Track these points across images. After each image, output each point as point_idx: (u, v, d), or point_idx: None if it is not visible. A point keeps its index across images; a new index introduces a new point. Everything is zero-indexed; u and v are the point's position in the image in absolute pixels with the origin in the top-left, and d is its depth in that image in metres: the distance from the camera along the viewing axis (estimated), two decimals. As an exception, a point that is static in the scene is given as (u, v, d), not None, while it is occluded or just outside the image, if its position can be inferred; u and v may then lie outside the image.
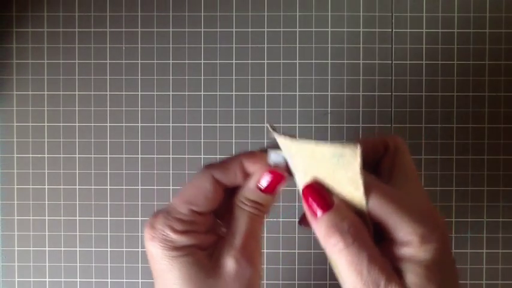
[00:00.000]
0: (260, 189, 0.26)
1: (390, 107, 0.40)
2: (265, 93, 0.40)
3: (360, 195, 0.22)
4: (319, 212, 0.23)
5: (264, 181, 0.26)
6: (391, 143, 0.27)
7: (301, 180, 0.25)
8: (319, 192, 0.24)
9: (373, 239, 0.23)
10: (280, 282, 0.41)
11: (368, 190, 0.22)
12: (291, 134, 0.25)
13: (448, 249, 0.23)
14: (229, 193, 0.26)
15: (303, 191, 0.24)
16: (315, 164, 0.23)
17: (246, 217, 0.25)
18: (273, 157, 0.26)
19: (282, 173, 0.26)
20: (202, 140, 0.41)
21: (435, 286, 0.22)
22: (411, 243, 0.22)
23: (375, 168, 0.27)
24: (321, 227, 0.23)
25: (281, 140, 0.25)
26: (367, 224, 0.23)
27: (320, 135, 0.40)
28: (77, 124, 0.41)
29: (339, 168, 0.22)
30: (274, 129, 0.25)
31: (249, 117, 0.40)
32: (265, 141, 0.41)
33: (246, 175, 0.26)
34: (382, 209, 0.23)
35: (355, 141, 0.22)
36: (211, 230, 0.26)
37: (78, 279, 0.41)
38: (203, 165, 0.26)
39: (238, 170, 0.26)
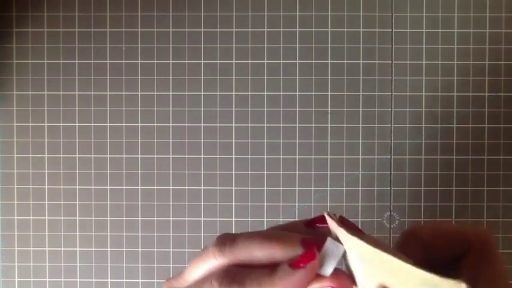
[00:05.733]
0: None
1: (390, 107, 0.40)
2: (265, 93, 0.40)
3: None
4: None
5: None
6: (475, 242, 0.22)
7: (361, 282, 0.21)
8: None
9: None
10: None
11: None
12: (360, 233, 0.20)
13: None
14: None
15: None
16: (393, 280, 0.19)
17: None
18: (330, 247, 0.21)
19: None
20: (202, 140, 0.41)
21: None
22: None
23: (444, 266, 0.23)
24: None
25: (351, 240, 0.19)
26: None
27: (320, 135, 0.40)
28: (77, 124, 0.41)
29: None
30: (338, 223, 0.20)
31: (249, 117, 0.40)
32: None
33: None
34: None
35: (410, 259, 0.17)
36: None
37: (78, 279, 0.41)
38: (217, 277, 0.21)
39: None
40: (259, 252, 0.20)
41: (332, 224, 0.20)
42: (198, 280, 0.21)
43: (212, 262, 0.21)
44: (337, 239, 0.21)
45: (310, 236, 0.21)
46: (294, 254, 0.20)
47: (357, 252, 0.20)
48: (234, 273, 0.20)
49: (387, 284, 0.19)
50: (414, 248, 0.23)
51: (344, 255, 0.21)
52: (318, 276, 0.21)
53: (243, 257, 0.21)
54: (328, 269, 0.21)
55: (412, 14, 0.40)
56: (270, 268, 0.20)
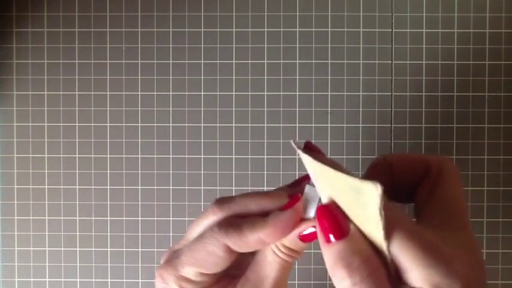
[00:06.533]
0: (300, 238, 0.23)
1: (390, 107, 0.40)
2: (265, 93, 0.40)
3: (380, 236, 0.19)
4: (332, 237, 0.20)
5: (308, 230, 0.23)
6: (434, 166, 0.23)
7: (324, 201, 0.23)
8: (335, 216, 0.21)
9: (392, 283, 0.20)
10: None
11: (390, 230, 0.19)
12: (314, 153, 0.22)
13: None
14: None
15: (317, 209, 0.22)
16: (335, 191, 0.21)
17: (278, 264, 0.23)
18: (309, 192, 0.24)
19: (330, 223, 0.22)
20: (202, 140, 0.41)
21: None
22: None
23: (409, 193, 0.24)
24: (330, 255, 0.20)
25: (306, 159, 0.22)
26: (386, 264, 0.20)
27: (320, 135, 0.40)
28: (77, 124, 0.41)
29: (358, 204, 0.20)
30: (299, 147, 0.23)
31: (249, 117, 0.40)
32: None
33: (264, 243, 0.23)
34: (403, 253, 0.19)
35: (375, 179, 0.18)
36: (224, 276, 0.25)
37: (78, 279, 0.41)
38: (217, 224, 0.23)
39: (256, 244, 0.23)
40: (253, 205, 0.23)
41: (299, 152, 0.22)
42: (199, 234, 0.24)
43: (212, 218, 0.24)
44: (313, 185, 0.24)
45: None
46: (282, 203, 0.23)
47: (313, 170, 0.22)
48: (232, 219, 0.23)
49: (332, 195, 0.22)
50: (382, 174, 0.25)
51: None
52: (303, 220, 0.23)
53: (239, 210, 0.24)
54: (311, 212, 0.23)
55: (412, 14, 0.40)
56: (263, 216, 0.23)
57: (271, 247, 0.24)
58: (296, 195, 0.24)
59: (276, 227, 0.23)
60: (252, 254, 0.25)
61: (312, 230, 0.23)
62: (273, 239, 0.23)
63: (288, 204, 0.23)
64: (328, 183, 0.21)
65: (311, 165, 0.22)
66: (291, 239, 0.23)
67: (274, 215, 0.23)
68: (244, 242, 0.23)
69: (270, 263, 0.24)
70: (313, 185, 0.24)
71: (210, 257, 0.23)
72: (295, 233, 0.23)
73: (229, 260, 0.23)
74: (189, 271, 0.24)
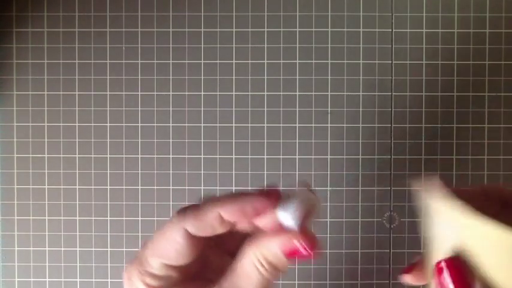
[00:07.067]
0: (284, 252, 0.21)
1: (390, 107, 0.40)
2: (265, 93, 0.40)
3: None
4: None
5: (295, 247, 0.21)
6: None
7: (440, 250, 0.20)
8: (462, 274, 0.18)
9: None
10: (280, 282, 0.41)
11: None
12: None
13: None
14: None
15: (443, 262, 0.19)
16: (488, 252, 0.18)
17: (256, 279, 0.21)
18: (283, 219, 0.21)
19: (315, 241, 0.20)
20: (202, 140, 0.41)
21: None
22: None
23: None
24: None
25: (447, 211, 0.19)
26: None
27: (320, 135, 0.40)
28: (77, 124, 0.41)
29: None
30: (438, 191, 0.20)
31: (249, 117, 0.40)
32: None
33: (228, 224, 0.22)
34: None
35: None
36: (198, 276, 0.23)
37: (78, 279, 0.41)
38: (176, 212, 0.22)
39: (215, 221, 0.21)
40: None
41: (434, 197, 0.19)
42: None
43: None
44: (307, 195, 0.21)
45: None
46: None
47: (456, 225, 0.19)
48: (191, 205, 0.22)
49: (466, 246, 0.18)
50: (492, 204, 0.23)
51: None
52: (282, 230, 0.21)
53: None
54: (292, 220, 0.21)
55: (412, 14, 0.40)
56: None
57: (251, 257, 0.21)
58: (275, 190, 0.22)
59: (237, 203, 0.21)
60: (231, 259, 0.23)
61: (296, 245, 0.21)
62: (233, 215, 0.21)
63: (262, 193, 0.22)
64: (475, 242, 0.18)
65: (448, 218, 0.19)
66: (273, 252, 0.21)
67: (239, 194, 0.22)
68: (203, 221, 0.21)
69: (248, 276, 0.21)
70: (303, 193, 0.22)
71: (169, 244, 0.21)
72: (276, 242, 0.21)
73: (192, 247, 0.22)
74: (153, 263, 0.22)
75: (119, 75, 0.41)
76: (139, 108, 0.41)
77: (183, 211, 0.22)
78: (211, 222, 0.21)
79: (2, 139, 0.41)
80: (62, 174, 0.41)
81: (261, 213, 0.21)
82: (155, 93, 0.41)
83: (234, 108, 0.41)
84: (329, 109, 0.40)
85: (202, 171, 0.41)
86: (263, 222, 0.22)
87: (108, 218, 0.41)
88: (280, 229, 0.21)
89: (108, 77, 0.41)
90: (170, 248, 0.21)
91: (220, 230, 0.22)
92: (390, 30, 0.40)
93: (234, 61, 0.40)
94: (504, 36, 0.40)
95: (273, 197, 0.22)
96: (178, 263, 0.22)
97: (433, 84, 0.40)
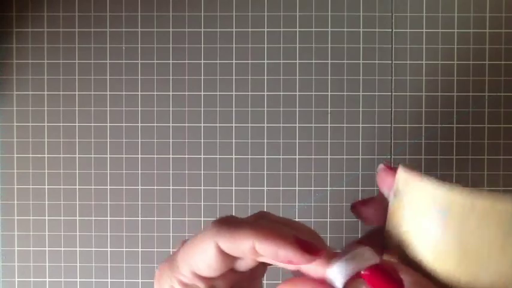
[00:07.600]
0: None
1: (390, 107, 0.40)
2: (265, 93, 0.40)
3: None
4: None
5: None
6: None
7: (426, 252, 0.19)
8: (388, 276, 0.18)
9: None
10: (281, 282, 0.40)
11: None
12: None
13: None
14: None
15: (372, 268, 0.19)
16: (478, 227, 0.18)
17: None
18: (333, 279, 0.19)
19: None
20: (202, 140, 0.41)
21: None
22: None
23: None
24: None
25: (432, 188, 0.19)
26: None
27: (320, 135, 0.40)
28: (77, 124, 0.41)
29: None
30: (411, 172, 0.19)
31: (249, 117, 0.40)
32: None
33: (257, 255, 0.20)
34: None
35: None
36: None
37: (78, 279, 0.41)
38: (211, 223, 0.21)
39: (248, 251, 0.20)
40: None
41: (413, 177, 0.19)
42: None
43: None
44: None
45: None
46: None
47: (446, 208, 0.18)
48: (231, 217, 0.21)
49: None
50: None
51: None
52: (323, 282, 0.20)
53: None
54: (340, 280, 0.19)
55: (412, 14, 0.40)
56: None
57: None
58: (322, 250, 0.20)
59: (274, 237, 0.19)
60: (260, 281, 0.22)
61: None
62: (268, 252, 0.20)
63: (305, 245, 0.20)
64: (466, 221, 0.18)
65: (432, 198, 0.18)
66: None
67: (282, 230, 0.20)
68: (236, 244, 0.20)
69: None
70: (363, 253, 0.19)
71: (200, 255, 0.21)
72: None
73: (223, 264, 0.21)
74: (183, 270, 0.21)
75: (119, 75, 0.41)
76: (139, 108, 0.41)
77: (219, 225, 0.21)
78: (243, 249, 0.20)
79: (2, 139, 0.41)
80: (62, 174, 0.41)
81: (295, 264, 0.20)
82: (155, 93, 0.41)
83: (234, 108, 0.41)
84: (329, 109, 0.40)
85: (202, 171, 0.41)
86: (307, 266, 0.21)
87: (108, 218, 0.41)
88: (323, 283, 0.20)
89: (108, 77, 0.41)
90: (200, 258, 0.21)
91: (250, 260, 0.21)
92: (390, 30, 0.40)
93: (234, 61, 0.40)
94: (504, 36, 0.40)
95: (315, 254, 0.20)
96: (208, 274, 0.21)
97: (433, 84, 0.40)
